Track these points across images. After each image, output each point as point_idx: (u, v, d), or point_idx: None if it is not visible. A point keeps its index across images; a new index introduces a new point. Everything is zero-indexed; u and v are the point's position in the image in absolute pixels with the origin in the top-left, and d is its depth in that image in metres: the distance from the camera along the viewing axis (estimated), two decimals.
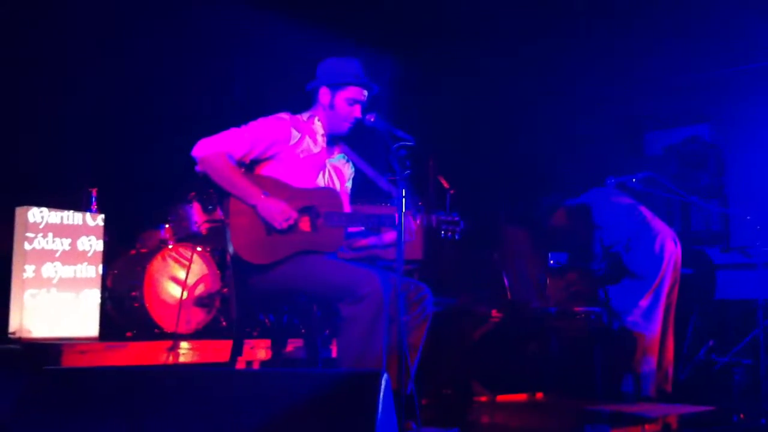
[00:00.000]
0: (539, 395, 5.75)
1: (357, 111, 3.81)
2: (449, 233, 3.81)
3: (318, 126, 3.87)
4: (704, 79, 7.52)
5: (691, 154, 5.99)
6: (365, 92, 3.84)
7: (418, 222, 3.76)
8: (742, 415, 4.92)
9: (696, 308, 5.78)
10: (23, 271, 4.56)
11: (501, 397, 5.49)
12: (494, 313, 6.02)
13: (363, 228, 3.85)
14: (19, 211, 4.64)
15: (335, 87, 3.83)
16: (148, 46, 6.21)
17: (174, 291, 5.34)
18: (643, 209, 5.63)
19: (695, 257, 6.09)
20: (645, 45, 7.10)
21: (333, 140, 3.92)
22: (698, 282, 5.97)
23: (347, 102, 3.82)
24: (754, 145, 7.23)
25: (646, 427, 4.61)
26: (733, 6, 6.34)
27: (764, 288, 5.00)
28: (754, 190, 7.04)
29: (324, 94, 3.85)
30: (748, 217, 5.20)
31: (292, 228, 3.61)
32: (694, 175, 6.20)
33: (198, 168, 3.65)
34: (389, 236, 3.87)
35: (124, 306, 5.32)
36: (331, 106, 3.84)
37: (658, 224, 5.59)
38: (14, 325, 4.51)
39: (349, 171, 4.02)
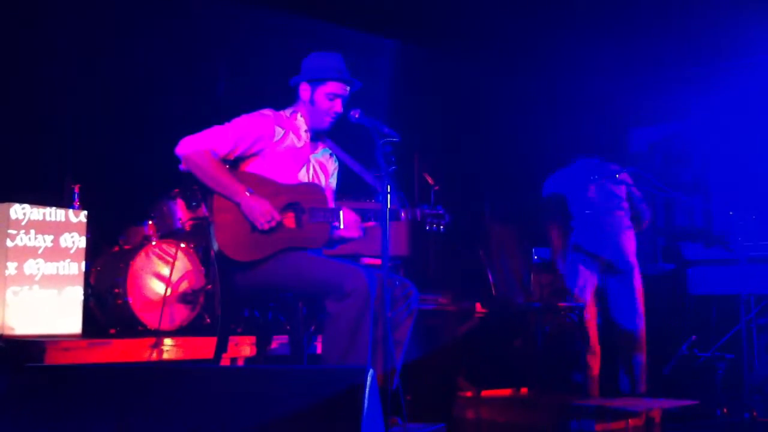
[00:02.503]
0: (524, 390, 5.76)
1: (338, 106, 3.80)
2: (434, 226, 3.81)
3: (301, 121, 3.86)
4: (687, 75, 7.55)
5: (674, 150, 6.02)
6: (346, 87, 3.83)
7: (403, 215, 3.76)
8: (725, 410, 4.96)
9: (677, 303, 5.80)
10: (5, 268, 4.52)
11: (486, 393, 5.49)
12: (479, 308, 6.04)
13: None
14: (0, 207, 4.61)
15: (315, 82, 3.82)
16: (131, 42, 6.17)
17: (158, 288, 5.31)
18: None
19: (678, 253, 6.12)
20: (629, 42, 7.12)
21: (316, 135, 3.91)
22: (681, 277, 6.00)
23: (327, 97, 3.80)
24: (736, 141, 7.27)
25: (630, 421, 4.64)
26: (717, 3, 6.36)
27: (747, 283, 5.04)
28: (736, 186, 7.09)
29: (304, 89, 3.84)
30: (731, 213, 5.24)
31: (278, 223, 3.60)
32: (677, 170, 6.24)
33: (182, 166, 3.64)
34: (346, 232, 3.84)
35: (107, 303, 5.29)
36: (312, 102, 3.83)
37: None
38: None
39: (333, 166, 4.01)
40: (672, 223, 6.86)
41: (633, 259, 5.49)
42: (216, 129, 3.66)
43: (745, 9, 6.37)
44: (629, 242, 5.51)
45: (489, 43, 7.21)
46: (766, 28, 6.68)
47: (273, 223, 3.57)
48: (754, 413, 4.77)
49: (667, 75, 7.58)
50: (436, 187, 6.10)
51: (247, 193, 3.56)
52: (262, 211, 3.55)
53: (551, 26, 6.97)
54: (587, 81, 7.73)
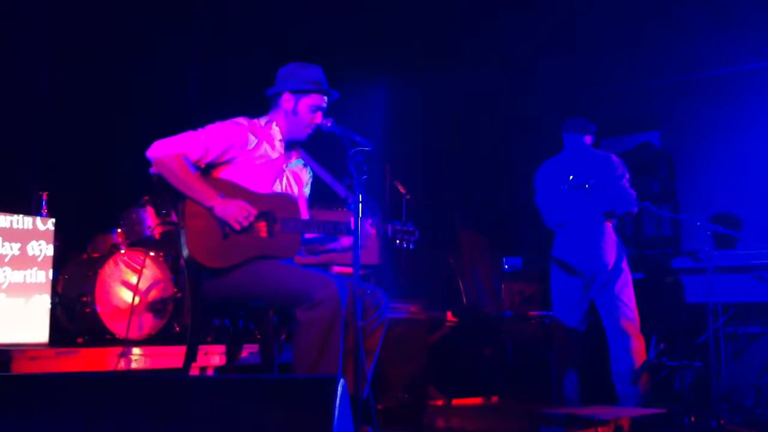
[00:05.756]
0: (494, 399, 5.78)
1: (318, 117, 3.81)
2: (404, 243, 3.82)
3: (276, 131, 3.84)
4: (655, 87, 7.64)
5: (643, 161, 6.08)
6: (326, 99, 3.84)
7: (374, 231, 3.77)
8: (693, 418, 4.99)
9: (647, 312, 5.84)
10: None
11: (456, 401, 5.50)
12: (450, 317, 6.05)
13: (320, 234, 3.83)
14: None
15: (299, 93, 3.81)
16: (100, 47, 6.13)
17: (126, 296, 5.27)
18: None
19: (647, 261, 6.17)
20: (598, 55, 7.20)
21: (290, 145, 3.90)
22: (649, 286, 6.05)
23: (310, 109, 3.80)
24: (703, 152, 7.36)
25: (599, 429, 4.66)
26: (683, 16, 6.45)
27: (714, 292, 5.09)
28: (703, 196, 7.17)
29: (287, 100, 3.82)
30: (699, 223, 5.29)
31: (252, 226, 3.57)
32: (645, 181, 6.29)
33: (153, 170, 3.61)
34: (346, 240, 3.87)
35: (75, 311, 5.23)
36: (294, 112, 3.82)
37: None
38: None
39: (306, 176, 4.01)
40: (640, 232, 6.91)
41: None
42: (189, 134, 3.64)
43: (714, 23, 6.48)
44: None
45: (460, 54, 7.25)
46: (734, 42, 6.78)
47: (251, 219, 3.55)
48: (722, 421, 4.81)
49: (636, 87, 7.67)
50: (408, 196, 6.11)
51: (220, 198, 3.54)
52: (238, 209, 3.52)
53: (522, 39, 7.02)
54: (557, 91, 7.80)
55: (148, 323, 5.32)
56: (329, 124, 3.70)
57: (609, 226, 5.48)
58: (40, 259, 4.77)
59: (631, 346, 5.34)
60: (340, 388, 2.47)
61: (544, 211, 5.71)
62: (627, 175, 5.53)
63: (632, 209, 5.46)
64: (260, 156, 3.75)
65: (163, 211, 5.54)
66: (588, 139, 5.70)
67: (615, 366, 5.37)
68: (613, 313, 5.39)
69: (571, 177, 5.52)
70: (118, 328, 5.16)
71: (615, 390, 5.38)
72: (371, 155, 3.48)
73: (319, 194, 4.14)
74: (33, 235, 4.75)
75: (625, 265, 5.47)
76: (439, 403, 5.45)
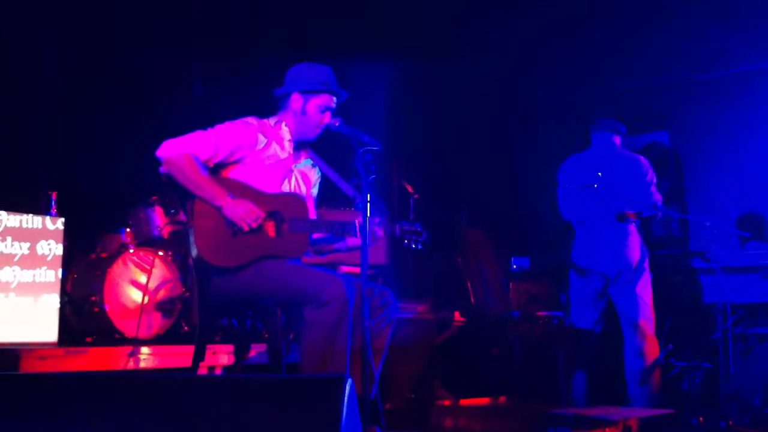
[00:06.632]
0: (502, 399, 5.77)
1: (327, 118, 3.81)
2: (412, 243, 3.82)
3: (285, 131, 3.85)
4: (664, 86, 7.62)
5: (652, 160, 6.07)
6: (335, 99, 3.85)
7: (381, 232, 3.77)
8: (701, 418, 4.98)
9: (656, 312, 5.83)
10: None
11: (464, 401, 5.50)
12: (457, 317, 6.04)
13: (328, 234, 3.84)
14: None
15: (308, 93, 3.82)
16: (108, 46, 6.14)
17: (135, 296, 5.28)
18: None
19: (656, 262, 6.15)
20: (605, 53, 7.18)
21: (299, 145, 3.91)
22: (658, 286, 6.03)
23: (319, 109, 3.81)
24: (712, 152, 7.34)
25: (607, 430, 4.65)
26: (693, 15, 6.43)
27: (723, 292, 5.08)
28: (712, 196, 7.15)
29: (296, 100, 3.83)
30: (708, 223, 5.28)
31: (260, 228, 3.58)
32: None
33: (162, 169, 3.62)
34: (353, 240, 3.87)
35: (83, 311, 5.25)
36: (303, 113, 3.83)
37: None
38: None
39: (315, 176, 4.01)
40: (649, 232, 6.90)
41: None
42: (198, 133, 3.66)
43: (723, 22, 6.46)
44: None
45: (466, 51, 7.23)
46: (743, 42, 6.77)
47: (260, 221, 3.56)
48: (730, 422, 4.80)
49: (645, 86, 7.65)
50: (416, 196, 6.11)
51: (229, 197, 3.55)
52: (247, 210, 3.54)
53: (530, 37, 7.01)
54: (566, 90, 7.79)
55: (157, 323, 5.33)
56: (337, 124, 3.71)
57: (633, 226, 5.48)
58: (49, 259, 4.79)
59: (644, 347, 5.33)
60: (347, 388, 2.47)
61: (563, 206, 5.71)
62: (655, 180, 5.55)
63: (657, 214, 5.48)
64: (269, 156, 3.76)
65: (172, 211, 5.55)
66: (617, 140, 5.70)
67: (629, 366, 5.36)
68: (632, 311, 5.39)
69: (599, 174, 5.53)
70: (126, 328, 5.17)
71: (626, 390, 5.36)
72: (378, 154, 3.48)
73: (328, 194, 4.14)
74: (42, 235, 4.77)
75: (647, 264, 5.47)
76: (447, 403, 5.45)
